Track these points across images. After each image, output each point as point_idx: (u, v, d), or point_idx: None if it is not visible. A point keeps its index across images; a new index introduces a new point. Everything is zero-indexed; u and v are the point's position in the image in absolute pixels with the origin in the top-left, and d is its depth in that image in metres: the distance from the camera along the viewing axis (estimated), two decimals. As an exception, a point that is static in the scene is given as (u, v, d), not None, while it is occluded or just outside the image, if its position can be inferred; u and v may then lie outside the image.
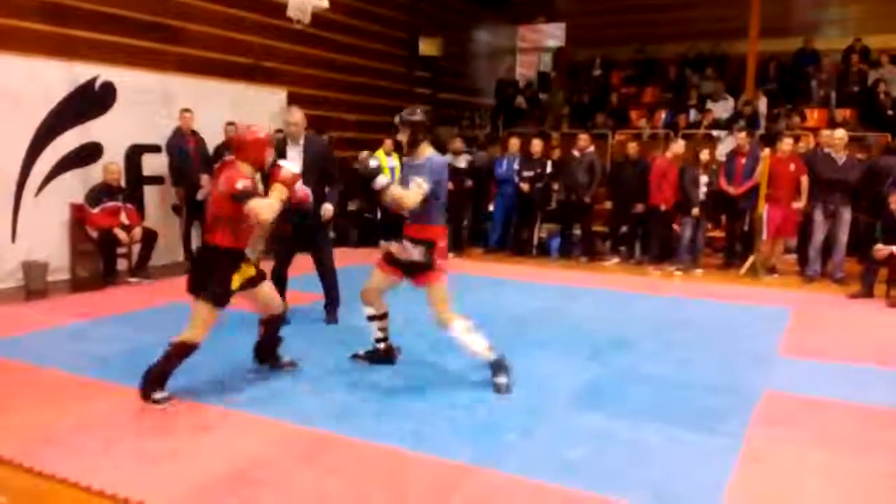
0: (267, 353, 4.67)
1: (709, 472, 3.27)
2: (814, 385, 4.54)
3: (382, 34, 12.80)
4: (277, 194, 4.05)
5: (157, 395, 3.99)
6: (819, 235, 8.20)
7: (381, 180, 4.21)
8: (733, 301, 7.15)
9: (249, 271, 4.21)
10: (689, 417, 3.92)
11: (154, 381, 4.01)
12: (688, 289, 7.85)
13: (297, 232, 5.71)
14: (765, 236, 8.58)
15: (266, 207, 3.97)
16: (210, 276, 4.04)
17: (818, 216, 8.18)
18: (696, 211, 8.77)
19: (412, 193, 4.18)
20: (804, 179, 8.30)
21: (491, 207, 10.55)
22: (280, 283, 5.58)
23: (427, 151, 4.35)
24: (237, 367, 4.65)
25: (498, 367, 4.28)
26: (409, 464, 3.33)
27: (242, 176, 4.01)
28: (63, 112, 7.58)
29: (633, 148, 9.70)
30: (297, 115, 5.76)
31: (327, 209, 5.70)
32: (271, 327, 4.54)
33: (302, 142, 5.70)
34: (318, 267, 5.96)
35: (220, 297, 4.06)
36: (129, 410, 3.92)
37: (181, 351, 4.04)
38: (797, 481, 3.24)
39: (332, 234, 6.72)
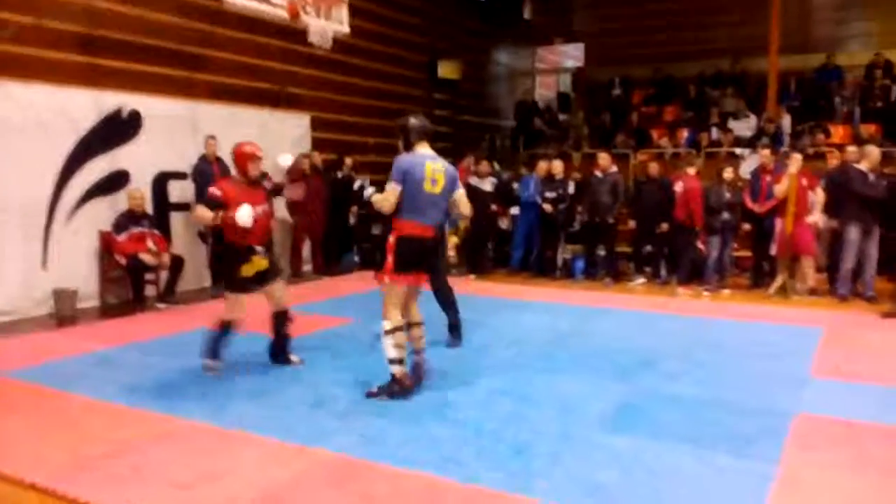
0: (277, 351, 5.20)
1: (743, 497, 3.20)
2: (848, 407, 4.43)
3: (402, 58, 12.94)
4: (208, 217, 4.81)
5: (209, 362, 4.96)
6: (853, 253, 8.03)
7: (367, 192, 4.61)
8: (763, 321, 7.04)
9: (261, 264, 4.92)
10: (721, 440, 3.85)
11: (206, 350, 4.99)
12: (716, 309, 7.74)
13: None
14: (773, 252, 8.48)
15: (197, 217, 4.99)
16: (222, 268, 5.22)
17: (853, 234, 8.00)
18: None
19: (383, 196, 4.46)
20: (819, 193, 8.22)
21: (503, 225, 10.54)
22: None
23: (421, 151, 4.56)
24: (264, 393, 4.66)
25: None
26: (439, 489, 3.30)
27: (219, 185, 4.92)
28: (91, 140, 7.72)
29: (654, 168, 9.66)
30: None
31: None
32: (277, 321, 5.13)
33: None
34: (434, 290, 5.91)
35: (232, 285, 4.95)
36: (159, 437, 3.94)
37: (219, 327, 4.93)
38: (836, 506, 3.16)
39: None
